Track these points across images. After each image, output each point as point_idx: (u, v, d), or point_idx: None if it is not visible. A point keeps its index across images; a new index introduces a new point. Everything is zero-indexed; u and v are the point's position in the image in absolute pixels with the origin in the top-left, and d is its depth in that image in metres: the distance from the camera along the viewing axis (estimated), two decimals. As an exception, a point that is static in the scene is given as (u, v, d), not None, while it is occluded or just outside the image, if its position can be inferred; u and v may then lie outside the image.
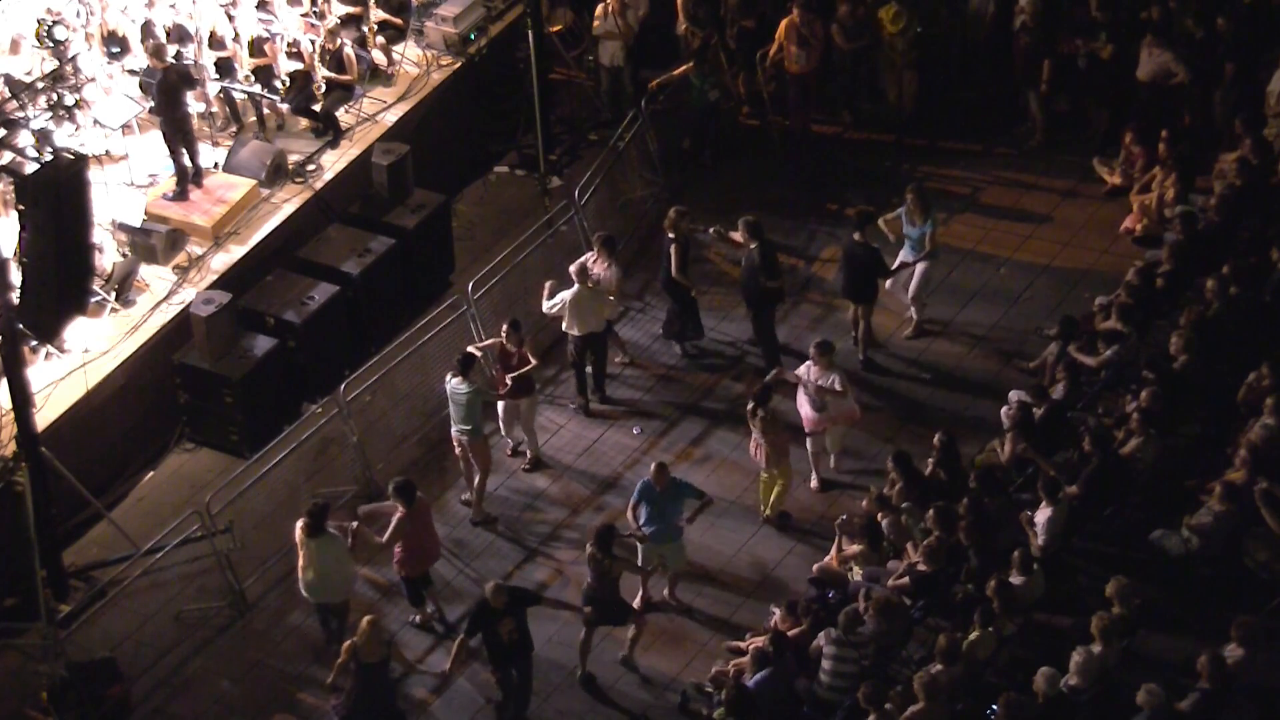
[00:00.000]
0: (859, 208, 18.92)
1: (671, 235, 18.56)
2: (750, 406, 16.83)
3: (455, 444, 17.33)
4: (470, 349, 17.47)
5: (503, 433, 18.00)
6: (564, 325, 18.15)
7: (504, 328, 17.37)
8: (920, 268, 18.64)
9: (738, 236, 18.37)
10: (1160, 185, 19.38)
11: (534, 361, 17.37)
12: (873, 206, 19.05)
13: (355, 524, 15.92)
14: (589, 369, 18.51)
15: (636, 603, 16.22)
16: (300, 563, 15.75)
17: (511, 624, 15.09)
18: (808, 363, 17.13)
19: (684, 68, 21.34)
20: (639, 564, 16.14)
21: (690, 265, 18.72)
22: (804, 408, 17.13)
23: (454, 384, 17.00)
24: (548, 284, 18.16)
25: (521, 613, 15.23)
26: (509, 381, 17.34)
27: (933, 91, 21.93)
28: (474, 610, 15.39)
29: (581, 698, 15.91)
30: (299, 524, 15.68)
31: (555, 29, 22.71)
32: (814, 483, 17.50)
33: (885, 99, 21.99)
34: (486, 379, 17.66)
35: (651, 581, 16.41)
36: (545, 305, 18.07)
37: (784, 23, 21.23)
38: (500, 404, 17.63)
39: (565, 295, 17.91)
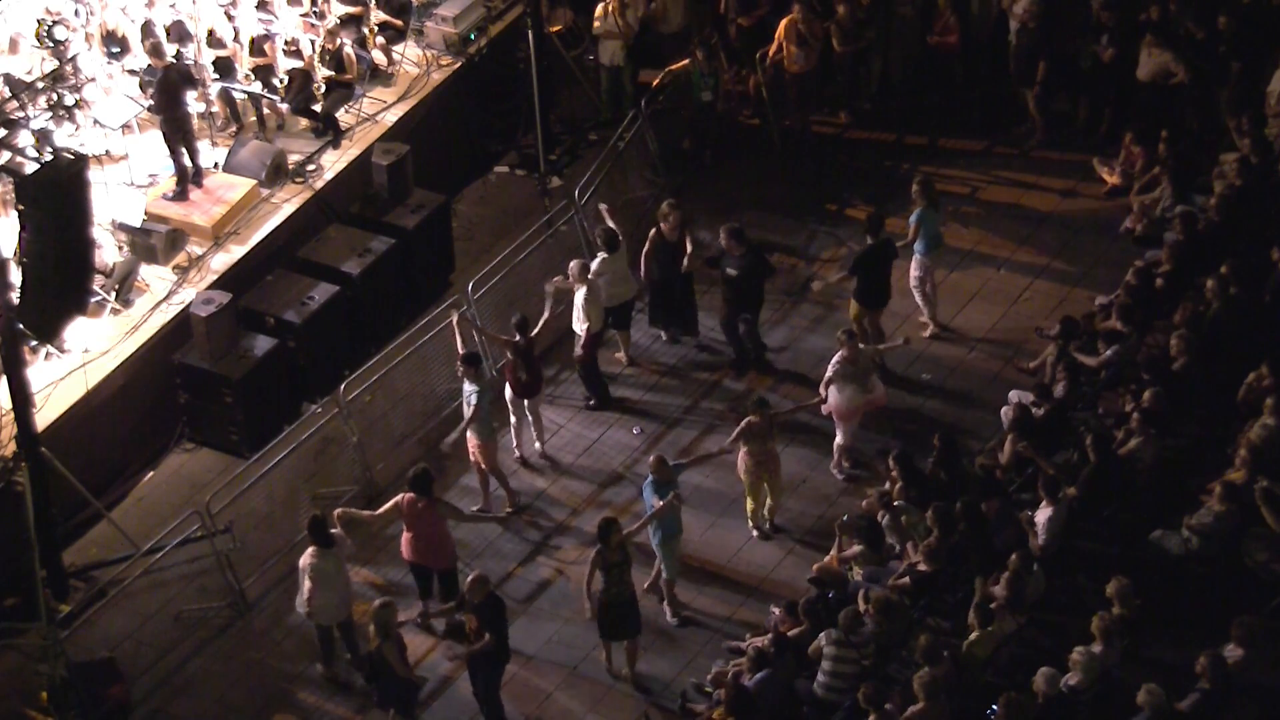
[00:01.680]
0: (867, 212, 18.85)
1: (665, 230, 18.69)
2: (752, 417, 16.68)
3: (471, 450, 17.36)
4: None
5: (513, 439, 18.01)
6: (578, 318, 18.15)
7: (513, 322, 17.41)
8: (914, 260, 18.61)
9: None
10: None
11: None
12: (876, 209, 19.01)
13: (337, 510, 15.86)
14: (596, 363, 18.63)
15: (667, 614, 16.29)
16: (307, 588, 15.60)
17: (475, 623, 14.96)
18: (840, 354, 16.97)
19: (681, 63, 21.34)
20: (665, 574, 16.13)
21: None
22: (838, 395, 17.04)
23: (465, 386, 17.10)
24: (554, 282, 18.24)
25: (491, 621, 15.02)
26: (521, 379, 17.45)
27: (934, 89, 22.02)
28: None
29: (581, 698, 15.91)
30: (309, 551, 15.53)
31: (555, 29, 22.73)
32: (840, 474, 17.51)
33: (886, 87, 22.08)
34: (491, 377, 17.69)
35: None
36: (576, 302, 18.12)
37: (784, 22, 21.24)
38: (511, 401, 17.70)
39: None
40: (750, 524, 17.19)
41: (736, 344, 18.91)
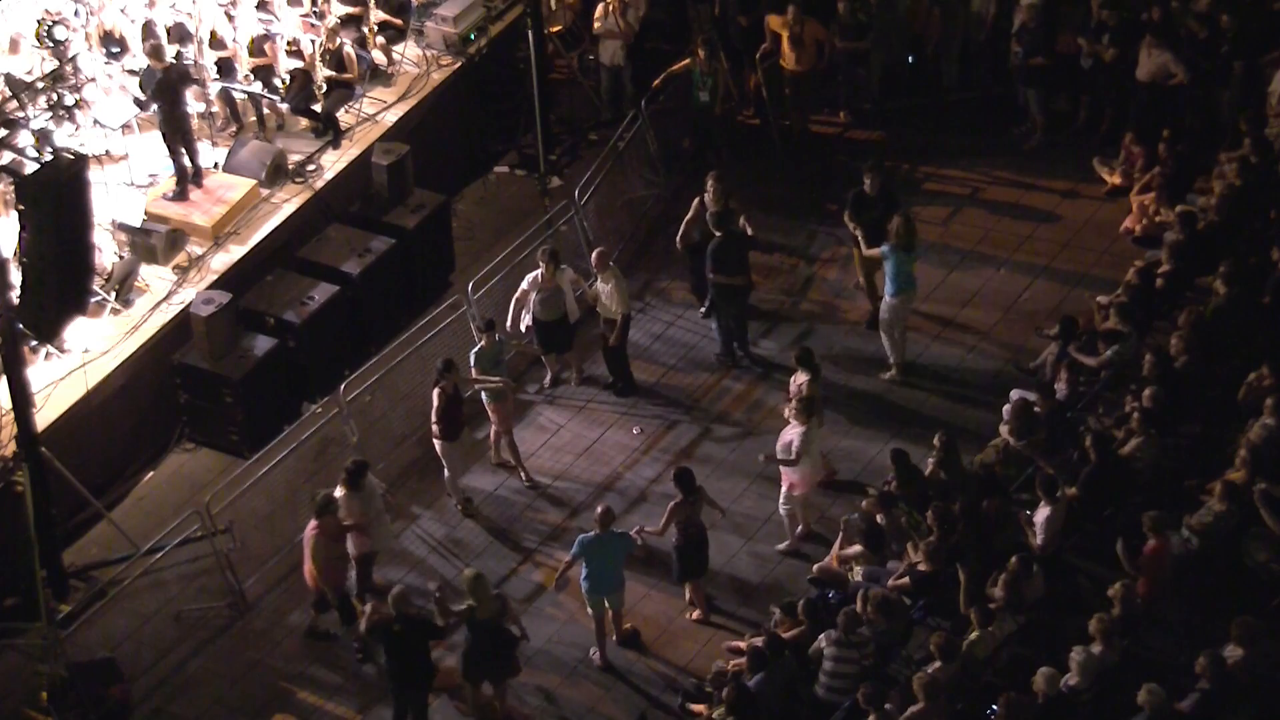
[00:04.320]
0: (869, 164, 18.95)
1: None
2: (804, 381, 16.78)
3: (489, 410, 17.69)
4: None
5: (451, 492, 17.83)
6: (611, 306, 18.30)
7: (438, 366, 17.16)
8: (884, 302, 18.36)
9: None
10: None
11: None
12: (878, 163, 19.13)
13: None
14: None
15: (596, 658, 16.16)
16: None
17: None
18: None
19: (683, 62, 21.33)
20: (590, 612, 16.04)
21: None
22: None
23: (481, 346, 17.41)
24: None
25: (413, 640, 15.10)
26: (437, 423, 17.19)
27: (932, 89, 22.05)
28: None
29: (581, 697, 15.91)
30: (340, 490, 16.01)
31: (555, 29, 22.73)
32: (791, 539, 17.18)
33: (886, 87, 22.13)
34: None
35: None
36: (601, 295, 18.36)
37: (776, 21, 21.23)
38: (438, 446, 17.44)
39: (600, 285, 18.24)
40: None
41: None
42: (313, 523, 15.73)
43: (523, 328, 18.40)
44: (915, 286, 18.32)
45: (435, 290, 19.88)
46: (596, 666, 16.07)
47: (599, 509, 15.77)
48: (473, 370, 17.43)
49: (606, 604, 15.94)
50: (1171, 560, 14.87)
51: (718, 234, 18.44)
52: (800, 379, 16.95)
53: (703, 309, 19.49)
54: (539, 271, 18.17)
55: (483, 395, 17.61)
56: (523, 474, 17.87)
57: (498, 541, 17.39)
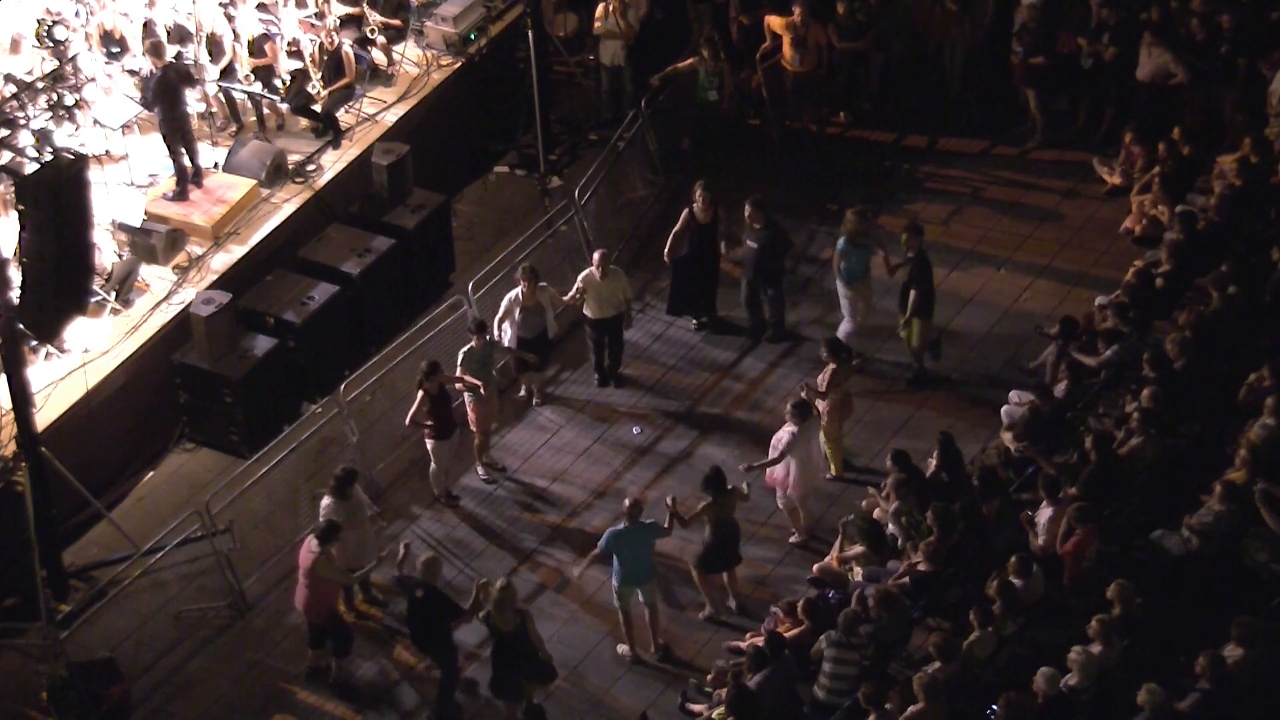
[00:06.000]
0: (907, 224, 18.47)
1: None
2: (829, 369, 16.88)
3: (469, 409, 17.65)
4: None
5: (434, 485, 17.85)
6: (584, 309, 18.45)
7: (422, 367, 17.11)
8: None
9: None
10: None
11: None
12: (919, 223, 18.76)
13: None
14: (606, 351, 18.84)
15: (625, 653, 16.16)
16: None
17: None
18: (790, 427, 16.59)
19: (688, 61, 21.34)
20: (617, 605, 16.00)
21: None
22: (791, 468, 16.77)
23: (471, 346, 17.38)
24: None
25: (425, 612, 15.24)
26: (429, 423, 17.19)
27: (933, 88, 22.05)
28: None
29: (582, 697, 15.91)
30: (325, 502, 15.91)
31: (557, 34, 22.75)
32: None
33: (886, 87, 22.12)
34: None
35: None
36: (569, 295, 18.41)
37: (779, 22, 21.23)
38: (429, 445, 17.48)
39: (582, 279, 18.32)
40: (832, 470, 17.37)
41: (755, 317, 19.09)
42: (316, 548, 15.44)
43: (506, 341, 18.28)
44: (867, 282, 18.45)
45: (435, 290, 19.89)
46: (627, 661, 16.05)
47: (627, 501, 15.71)
48: (458, 369, 17.40)
49: (640, 597, 15.90)
50: (1094, 551, 14.96)
51: (765, 229, 18.45)
52: (828, 368, 16.96)
53: (694, 323, 19.48)
54: (520, 289, 18.15)
55: (465, 395, 17.59)
56: (480, 464, 17.96)
57: (497, 542, 17.40)
